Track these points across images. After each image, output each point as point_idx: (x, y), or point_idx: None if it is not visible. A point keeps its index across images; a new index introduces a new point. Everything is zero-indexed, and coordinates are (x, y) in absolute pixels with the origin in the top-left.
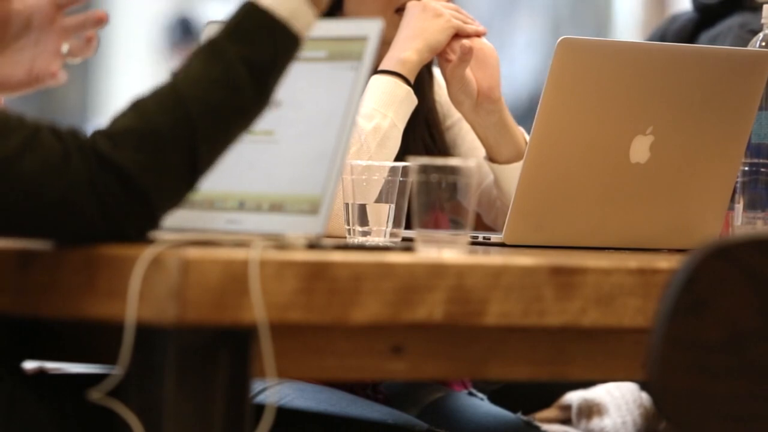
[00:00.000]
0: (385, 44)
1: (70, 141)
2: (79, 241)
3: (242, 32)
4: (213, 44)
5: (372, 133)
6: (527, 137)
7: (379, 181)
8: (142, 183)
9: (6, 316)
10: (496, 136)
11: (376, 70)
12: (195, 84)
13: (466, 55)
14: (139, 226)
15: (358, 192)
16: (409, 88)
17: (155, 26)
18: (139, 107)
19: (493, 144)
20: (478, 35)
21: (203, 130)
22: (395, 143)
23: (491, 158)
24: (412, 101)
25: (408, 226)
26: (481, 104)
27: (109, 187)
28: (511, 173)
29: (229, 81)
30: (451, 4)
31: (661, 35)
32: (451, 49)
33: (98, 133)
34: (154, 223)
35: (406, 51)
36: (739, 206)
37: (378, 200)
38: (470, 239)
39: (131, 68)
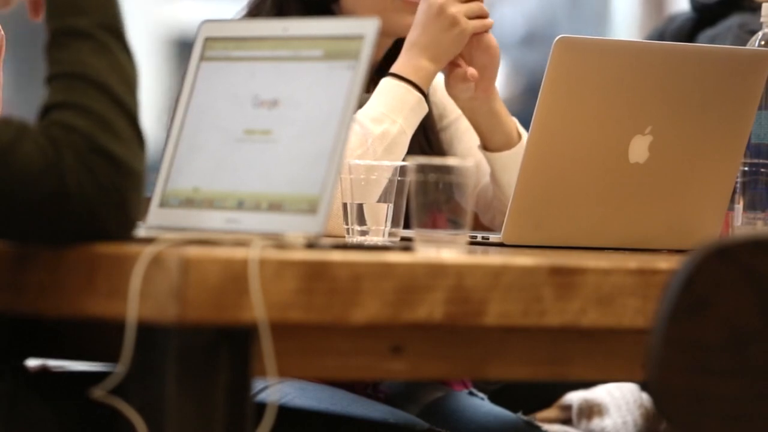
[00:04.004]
0: (385, 35)
1: (59, 126)
2: (81, 229)
3: (75, 3)
4: (62, 31)
5: (379, 138)
6: (519, 126)
7: (377, 180)
8: (127, 159)
9: (8, 315)
10: (487, 124)
11: (388, 71)
12: (85, 64)
13: (473, 78)
14: (134, 201)
15: (356, 192)
16: (421, 96)
17: (154, 28)
18: (74, 104)
19: (485, 132)
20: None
21: (123, 95)
22: (402, 150)
23: (485, 146)
24: (423, 109)
25: (406, 226)
26: (476, 95)
27: (103, 170)
28: (504, 162)
29: (103, 47)
30: (473, 4)
31: (660, 35)
32: (462, 56)
33: (65, 124)
34: (141, 196)
35: (422, 59)
36: (739, 206)
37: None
38: (469, 239)
39: None
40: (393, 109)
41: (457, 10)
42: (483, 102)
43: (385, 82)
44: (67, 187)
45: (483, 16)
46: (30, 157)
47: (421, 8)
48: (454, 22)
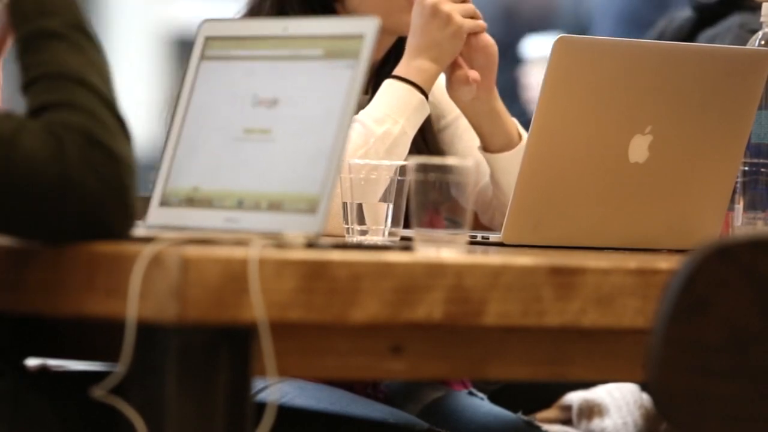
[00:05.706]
0: (389, 34)
1: (57, 124)
2: (84, 223)
3: (43, 6)
4: (33, 34)
5: (381, 139)
6: (519, 127)
7: (377, 180)
8: (123, 153)
9: (8, 314)
10: (488, 125)
11: (389, 73)
12: (64, 63)
13: (474, 81)
14: (133, 194)
15: (356, 191)
16: (423, 97)
17: (152, 26)
18: (65, 102)
19: (486, 133)
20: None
21: (105, 91)
22: (404, 150)
23: (485, 147)
24: (425, 110)
25: (406, 226)
26: (477, 95)
27: (103, 163)
28: (504, 163)
29: (77, 45)
30: (465, 4)
31: (659, 35)
32: (461, 56)
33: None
34: (137, 189)
35: (423, 60)
36: (739, 206)
37: None
38: (469, 239)
39: (128, 66)
40: (395, 109)
41: (450, 8)
42: (484, 102)
43: (388, 84)
44: (71, 180)
45: (476, 17)
46: (33, 150)
47: (416, 11)
48: (449, 20)
